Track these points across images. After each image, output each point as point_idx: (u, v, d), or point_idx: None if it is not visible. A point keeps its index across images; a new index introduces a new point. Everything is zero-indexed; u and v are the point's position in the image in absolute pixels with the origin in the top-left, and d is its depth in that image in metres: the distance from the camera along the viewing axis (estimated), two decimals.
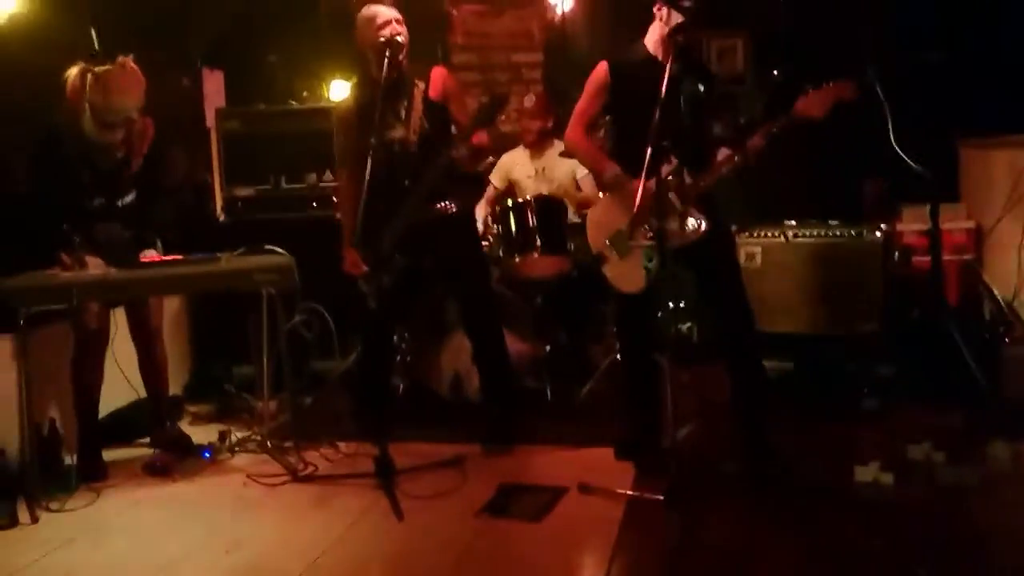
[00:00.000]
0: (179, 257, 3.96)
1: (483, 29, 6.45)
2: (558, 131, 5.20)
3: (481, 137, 3.78)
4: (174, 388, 4.63)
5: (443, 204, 3.99)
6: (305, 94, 5.99)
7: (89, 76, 3.75)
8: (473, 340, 4.20)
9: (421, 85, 3.93)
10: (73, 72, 3.78)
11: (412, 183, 3.88)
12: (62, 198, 3.88)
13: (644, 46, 3.60)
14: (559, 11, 6.39)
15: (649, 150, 3.24)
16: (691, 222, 3.45)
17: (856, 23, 5.56)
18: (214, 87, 5.60)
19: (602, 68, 3.63)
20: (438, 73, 3.98)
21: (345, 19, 6.28)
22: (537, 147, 5.19)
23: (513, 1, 6.43)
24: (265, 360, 4.28)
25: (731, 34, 6.08)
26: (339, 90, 6.02)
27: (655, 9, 3.54)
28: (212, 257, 3.98)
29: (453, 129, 3.96)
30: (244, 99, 5.65)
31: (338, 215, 4.11)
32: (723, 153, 3.49)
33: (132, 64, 3.84)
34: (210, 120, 5.37)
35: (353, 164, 3.99)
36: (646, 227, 3.44)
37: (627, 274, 3.56)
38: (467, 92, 6.40)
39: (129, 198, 4.00)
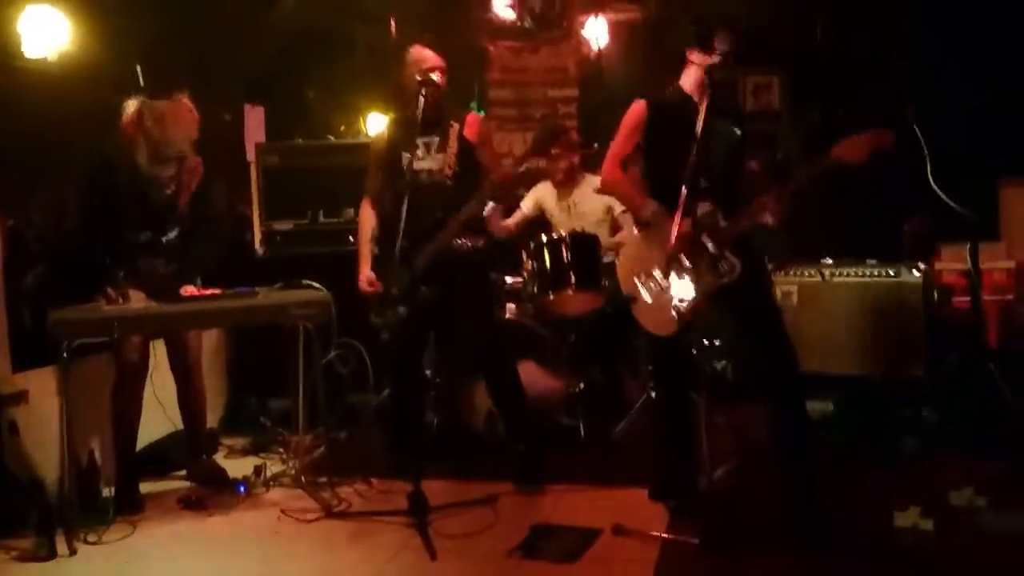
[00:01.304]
0: (217, 291, 4.01)
1: (519, 65, 6.53)
2: (588, 166, 5.25)
3: (505, 173, 4.01)
4: (210, 421, 4.66)
5: (470, 240, 4.07)
6: (343, 128, 6.09)
7: (146, 110, 3.87)
8: (486, 379, 4.23)
9: (456, 125, 4.10)
10: (131, 105, 3.91)
11: (447, 213, 3.97)
12: (110, 231, 3.97)
13: (680, 87, 3.61)
14: (595, 47, 6.45)
15: (684, 189, 3.24)
16: (725, 266, 3.42)
17: (895, 61, 5.55)
18: (255, 122, 5.70)
19: (639, 107, 3.64)
20: (474, 118, 4.21)
21: (382, 56, 6.44)
22: (565, 185, 5.20)
23: (549, 38, 6.50)
24: (300, 394, 4.30)
25: (767, 71, 6.09)
26: (375, 124, 6.12)
27: (691, 55, 3.55)
28: (250, 291, 4.03)
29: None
30: (283, 134, 5.75)
31: (352, 239, 4.25)
32: (759, 203, 3.44)
33: (187, 100, 3.97)
34: (250, 154, 5.46)
35: (375, 193, 4.22)
36: (679, 268, 3.41)
37: (658, 317, 3.52)
38: (503, 126, 6.53)
39: (174, 233, 4.09)
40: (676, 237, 3.30)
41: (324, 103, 6.40)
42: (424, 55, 4.05)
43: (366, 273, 4.13)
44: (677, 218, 3.29)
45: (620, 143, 3.69)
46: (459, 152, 4.06)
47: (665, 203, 3.42)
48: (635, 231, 3.74)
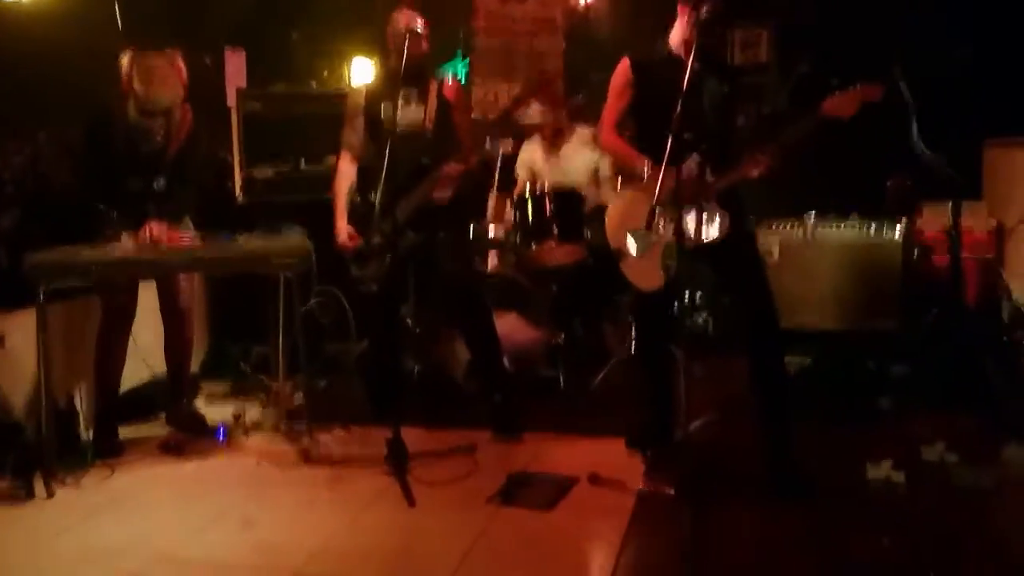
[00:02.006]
0: (197, 238, 3.99)
1: (506, 14, 6.42)
2: (574, 119, 5.21)
3: (455, 168, 4.00)
4: (191, 366, 4.65)
5: (449, 191, 4.07)
6: (326, 74, 6.00)
7: (135, 65, 3.88)
8: (463, 329, 4.26)
9: (435, 82, 4.18)
10: (124, 59, 3.92)
11: (431, 161, 3.99)
12: (106, 178, 3.99)
13: (667, 45, 3.58)
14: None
15: (669, 141, 3.22)
16: (713, 220, 3.41)
17: (882, 17, 5.50)
18: (235, 67, 5.60)
19: (624, 66, 3.61)
20: (454, 81, 4.29)
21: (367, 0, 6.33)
22: (553, 138, 5.17)
23: None
24: (281, 342, 4.31)
25: (756, 25, 6.03)
26: (359, 70, 6.04)
27: (679, 7, 3.51)
28: (231, 238, 4.02)
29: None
30: (265, 79, 5.64)
31: (331, 195, 4.24)
32: (750, 159, 3.43)
33: (178, 59, 3.97)
34: (231, 100, 5.38)
35: (353, 146, 4.22)
36: (665, 223, 3.41)
37: (646, 271, 3.52)
38: (489, 77, 6.46)
39: (162, 181, 4.09)
40: (660, 190, 3.28)
41: (307, 48, 6.28)
42: (407, 13, 4.08)
43: (344, 227, 4.13)
44: (661, 171, 3.27)
45: (611, 105, 3.67)
46: (437, 107, 4.12)
47: (655, 161, 3.40)
48: (625, 187, 3.73)
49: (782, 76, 6.03)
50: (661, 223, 3.40)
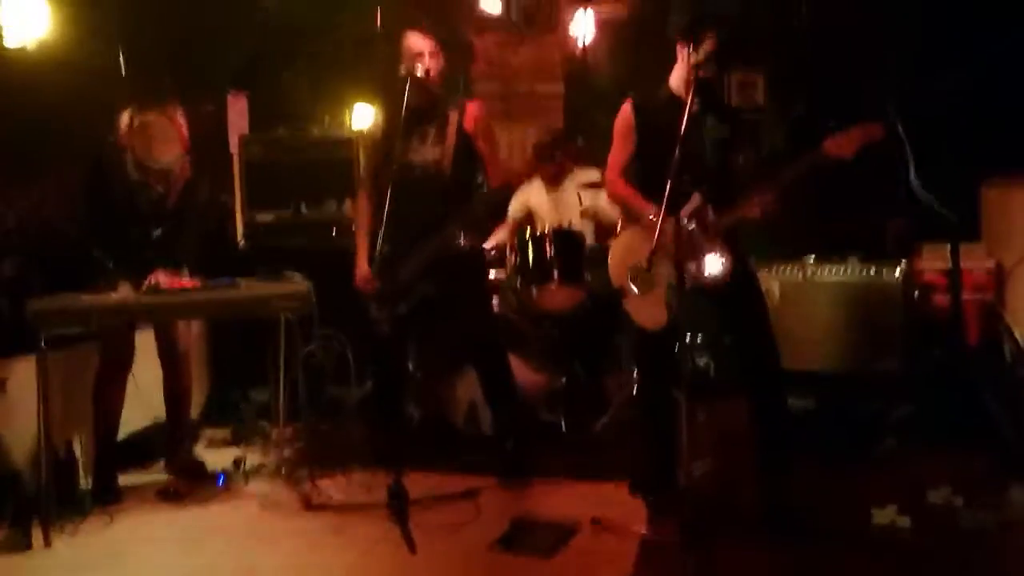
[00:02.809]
0: (199, 283, 4.00)
1: (505, 59, 6.50)
2: (575, 161, 5.24)
3: (514, 173, 3.96)
4: (191, 411, 4.63)
5: (469, 239, 4.02)
6: (327, 119, 6.05)
7: (135, 123, 3.91)
8: (481, 375, 4.22)
9: (455, 114, 3.99)
10: (124, 116, 3.96)
11: (451, 211, 3.90)
12: (104, 228, 4.02)
13: (668, 87, 3.61)
14: (580, 43, 6.43)
15: (669, 185, 3.24)
16: (715, 260, 3.43)
17: (876, 57, 5.56)
18: (238, 111, 5.66)
19: (626, 110, 3.64)
20: (475, 107, 4.06)
21: (369, 43, 6.40)
22: (553, 180, 5.20)
23: (536, 32, 6.47)
24: (281, 385, 4.29)
25: (751, 69, 6.10)
26: (360, 115, 6.09)
27: (678, 48, 3.54)
28: (232, 283, 4.02)
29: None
30: (267, 123, 5.69)
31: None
32: (752, 198, 3.44)
33: (178, 115, 4.00)
34: (233, 146, 5.42)
35: (371, 185, 4.11)
36: (668, 261, 3.42)
37: (649, 309, 3.54)
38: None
39: (161, 230, 4.12)
40: (659, 232, 3.29)
41: (309, 93, 6.34)
42: (410, 41, 3.91)
43: (364, 268, 4.03)
44: (661, 214, 3.29)
45: (616, 151, 3.69)
46: (457, 144, 3.95)
47: (658, 203, 3.42)
48: (628, 226, 3.74)
49: (779, 118, 6.09)
50: (664, 262, 3.41)
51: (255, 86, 5.86)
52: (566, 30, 6.46)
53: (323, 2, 6.09)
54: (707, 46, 3.42)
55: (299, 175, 5.29)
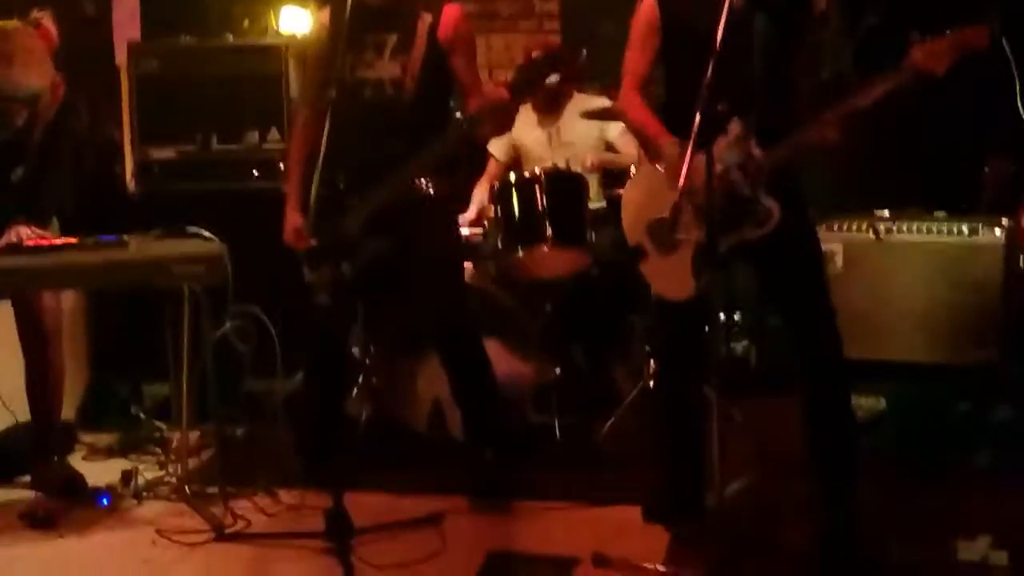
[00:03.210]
0: (74, 240, 3.97)
1: None
2: (576, 82, 5.23)
3: (500, 91, 3.80)
4: (66, 411, 4.64)
5: (424, 182, 3.98)
6: (246, 24, 6.00)
7: None
8: (449, 366, 4.22)
9: (428, 18, 3.94)
10: None
11: (410, 147, 3.88)
12: None
13: None
14: None
15: (701, 107, 3.22)
16: (758, 209, 3.42)
17: None
18: (126, 14, 5.62)
19: (648, 3, 3.61)
20: (453, 11, 3.99)
21: None
22: (547, 107, 5.18)
23: None
24: (185, 378, 4.30)
25: None
26: (292, 20, 6.04)
27: None
28: (118, 241, 3.99)
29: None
30: (166, 28, 5.66)
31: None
32: (813, 124, 3.42)
33: (48, 23, 3.96)
34: (120, 58, 5.39)
35: (313, 106, 4.08)
36: (695, 213, 3.41)
37: (673, 275, 3.53)
38: None
39: (22, 170, 4.08)
40: (686, 173, 3.28)
41: None
42: None
43: (294, 220, 4.04)
44: (688, 150, 3.28)
45: (633, 57, 3.66)
46: (426, 58, 3.92)
47: (688, 130, 3.40)
48: (648, 164, 3.73)
49: (846, 31, 6.08)
50: (690, 214, 3.41)
51: None
52: None
53: None
54: None
55: (208, 97, 5.26)
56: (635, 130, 3.82)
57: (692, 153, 3.21)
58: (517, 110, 3.94)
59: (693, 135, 3.25)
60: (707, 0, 3.39)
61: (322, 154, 3.67)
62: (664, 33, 3.60)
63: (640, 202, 3.66)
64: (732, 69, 3.22)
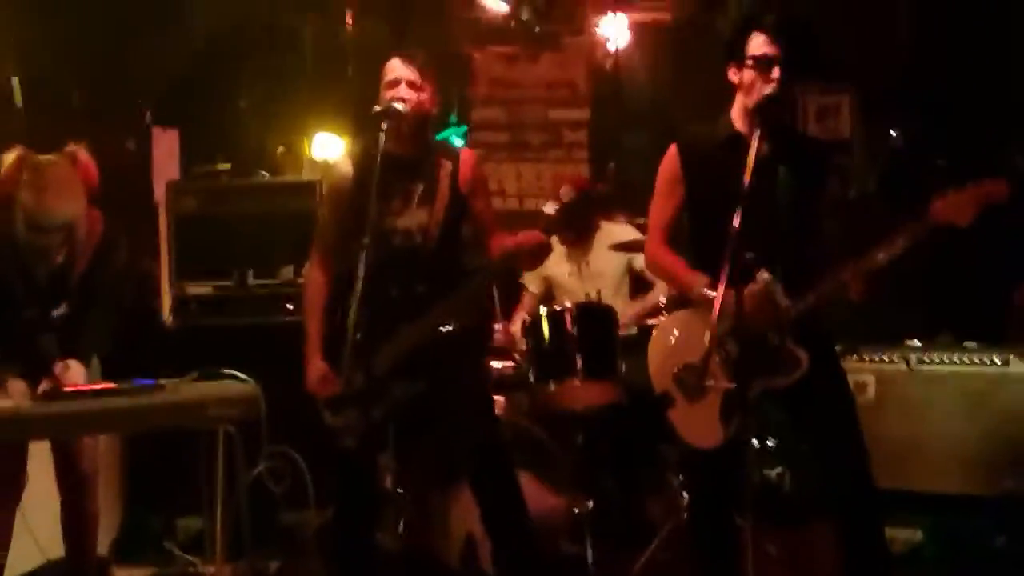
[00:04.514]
0: (112, 385, 3.99)
1: (513, 78, 6.57)
2: (603, 211, 5.27)
3: (535, 234, 3.80)
4: (100, 546, 4.63)
5: (460, 323, 4.00)
6: (280, 151, 6.10)
7: (25, 168, 3.87)
8: (480, 498, 4.19)
9: (448, 166, 4.00)
10: (9, 159, 3.90)
11: (435, 290, 3.90)
12: None
13: (728, 120, 3.63)
14: (611, 48, 6.47)
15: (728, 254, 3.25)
16: (787, 357, 3.43)
17: (996, 78, 5.59)
18: (166, 151, 5.73)
19: (671, 155, 3.67)
20: (469, 157, 4.07)
21: (335, 55, 6.48)
22: (576, 240, 5.24)
23: (551, 42, 6.53)
24: (219, 515, 4.27)
25: (834, 89, 6.15)
26: (323, 147, 6.14)
27: (730, 74, 3.56)
28: (155, 385, 4.01)
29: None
30: (204, 159, 5.74)
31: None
32: (835, 279, 3.44)
33: (84, 155, 3.98)
34: (159, 195, 5.47)
35: (328, 250, 4.09)
36: (725, 360, 3.42)
37: (701, 423, 3.53)
38: (491, 156, 6.55)
39: (64, 308, 4.10)
40: (719, 318, 3.29)
41: (257, 119, 6.42)
42: (388, 64, 3.93)
43: (318, 366, 3.98)
44: (717, 298, 3.29)
45: (658, 208, 3.73)
46: (449, 203, 3.96)
47: (715, 278, 3.43)
48: (673, 314, 3.76)
49: (870, 153, 6.14)
50: (720, 360, 3.41)
51: (188, 116, 5.92)
52: (592, 38, 6.52)
53: (275, 7, 6.20)
54: (758, 51, 3.43)
55: (244, 233, 5.31)
56: (667, 277, 3.87)
57: (722, 300, 3.24)
58: (550, 249, 3.96)
59: (722, 281, 3.28)
60: (728, 152, 3.50)
61: (356, 299, 3.72)
62: (687, 184, 3.65)
63: (666, 350, 3.67)
64: (757, 219, 3.25)
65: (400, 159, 3.91)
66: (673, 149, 3.69)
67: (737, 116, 3.61)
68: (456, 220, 4.00)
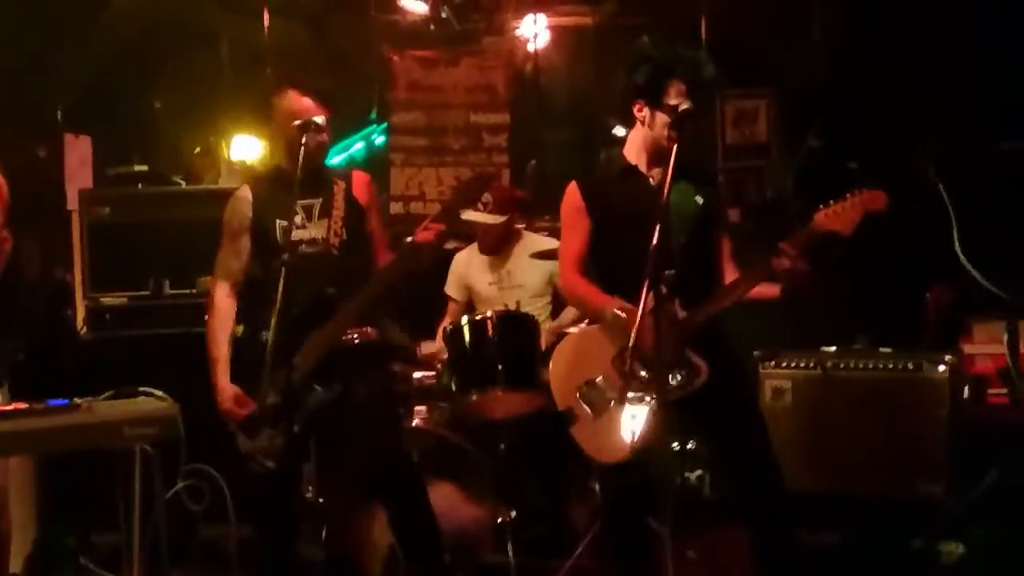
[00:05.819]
0: (24, 405, 3.91)
1: (433, 82, 6.55)
2: (525, 220, 5.29)
3: (426, 234, 3.90)
4: (13, 563, 4.54)
5: (366, 329, 4.04)
6: (197, 151, 6.05)
7: None
8: (386, 507, 4.21)
9: (342, 184, 4.14)
10: None
11: (344, 293, 3.95)
12: None
13: (621, 156, 3.77)
14: (531, 48, 6.48)
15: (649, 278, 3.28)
16: (686, 368, 3.51)
17: (911, 82, 5.68)
18: (78, 158, 5.63)
19: (571, 190, 3.79)
20: (361, 177, 4.27)
21: (251, 58, 6.42)
22: (496, 249, 5.24)
23: (471, 44, 6.52)
24: (136, 532, 4.21)
25: (751, 93, 6.21)
26: (242, 149, 6.09)
27: (635, 111, 3.66)
28: (69, 405, 3.93)
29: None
30: (118, 162, 5.67)
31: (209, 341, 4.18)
32: (727, 288, 3.57)
33: None
34: (72, 203, 5.37)
35: (235, 274, 4.14)
36: (624, 374, 3.46)
37: (604, 439, 3.57)
38: (410, 161, 6.54)
39: None
40: (634, 336, 3.32)
41: (173, 121, 6.35)
42: (303, 104, 4.03)
43: (229, 388, 4.01)
44: (639, 312, 3.33)
45: (568, 240, 3.84)
46: (347, 216, 4.08)
47: (624, 299, 3.52)
48: (574, 333, 3.84)
49: (787, 156, 6.21)
50: (619, 374, 3.46)
51: (102, 119, 5.82)
52: (512, 41, 6.53)
53: (192, 6, 6.12)
54: (675, 100, 3.52)
55: (160, 242, 5.27)
56: (584, 307, 3.97)
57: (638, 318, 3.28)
58: (446, 240, 4.02)
59: (644, 300, 3.32)
60: (626, 182, 3.69)
61: (275, 316, 3.72)
62: (590, 213, 3.76)
63: (567, 367, 3.73)
64: (654, 239, 3.31)
65: (305, 182, 3.98)
66: (573, 185, 3.81)
67: (631, 150, 3.76)
68: (357, 227, 4.12)
